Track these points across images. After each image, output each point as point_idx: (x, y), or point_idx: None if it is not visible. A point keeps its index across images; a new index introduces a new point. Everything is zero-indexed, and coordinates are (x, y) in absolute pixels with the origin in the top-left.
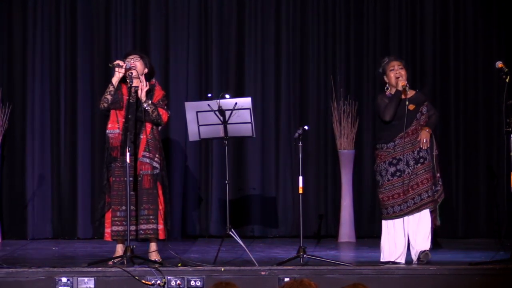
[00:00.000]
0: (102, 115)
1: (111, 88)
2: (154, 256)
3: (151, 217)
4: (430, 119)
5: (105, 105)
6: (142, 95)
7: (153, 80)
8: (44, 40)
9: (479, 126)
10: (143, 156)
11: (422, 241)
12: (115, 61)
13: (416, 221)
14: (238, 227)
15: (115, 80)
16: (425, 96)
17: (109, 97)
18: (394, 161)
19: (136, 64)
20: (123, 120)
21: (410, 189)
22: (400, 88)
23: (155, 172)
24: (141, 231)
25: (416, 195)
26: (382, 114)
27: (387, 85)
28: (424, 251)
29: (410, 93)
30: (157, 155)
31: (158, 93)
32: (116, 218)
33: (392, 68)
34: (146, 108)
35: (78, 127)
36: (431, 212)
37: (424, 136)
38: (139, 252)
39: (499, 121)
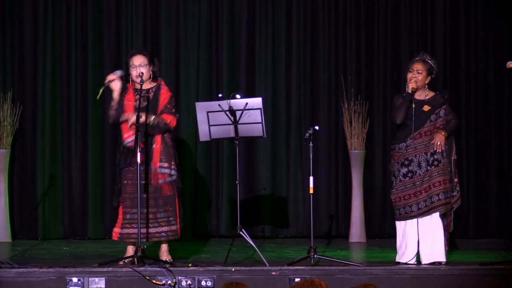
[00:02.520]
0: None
1: (112, 104)
2: (165, 256)
3: (171, 218)
4: (448, 123)
5: (110, 121)
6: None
7: (160, 79)
8: (54, 40)
9: (490, 126)
10: (160, 167)
11: (432, 248)
12: (105, 80)
13: (426, 225)
14: (249, 227)
15: (115, 94)
16: (444, 99)
17: (112, 113)
18: (406, 162)
19: (142, 71)
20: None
21: (423, 191)
22: (409, 90)
23: (172, 179)
24: (162, 233)
25: (428, 197)
26: (393, 116)
27: (407, 84)
28: (437, 262)
29: (429, 94)
30: (172, 163)
31: (165, 95)
32: (126, 221)
33: (411, 70)
34: (153, 124)
35: (89, 127)
36: (444, 216)
37: (439, 139)
38: (150, 251)
39: (510, 121)
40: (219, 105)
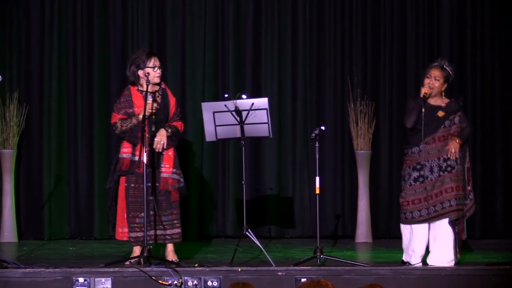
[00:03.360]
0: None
1: (134, 121)
2: (172, 256)
3: (175, 221)
4: (463, 131)
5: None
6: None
7: (163, 83)
8: (61, 41)
9: (496, 125)
10: (173, 173)
11: (441, 254)
12: (151, 109)
13: (436, 230)
14: (255, 228)
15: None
16: (459, 106)
17: (127, 129)
18: (418, 167)
19: (160, 72)
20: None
21: (433, 196)
22: (421, 95)
23: (180, 185)
24: (167, 236)
25: (438, 202)
26: (404, 120)
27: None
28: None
29: (445, 100)
30: (180, 170)
31: (173, 102)
32: (135, 224)
33: (428, 76)
34: (171, 135)
35: (95, 127)
36: (455, 224)
37: (453, 146)
38: (156, 251)
39: None
40: (225, 105)
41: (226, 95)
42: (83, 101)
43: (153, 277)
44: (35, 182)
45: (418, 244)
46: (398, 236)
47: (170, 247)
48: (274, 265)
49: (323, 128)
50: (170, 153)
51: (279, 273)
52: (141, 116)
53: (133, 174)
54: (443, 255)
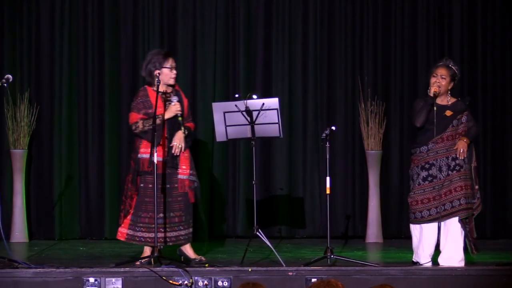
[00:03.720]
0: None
1: (158, 121)
2: (194, 254)
3: (190, 221)
4: (469, 130)
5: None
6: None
7: (176, 85)
8: (71, 41)
9: (507, 125)
10: (190, 174)
11: (451, 252)
12: (176, 110)
13: (446, 229)
14: (265, 228)
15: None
16: (466, 106)
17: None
18: (427, 166)
19: (176, 72)
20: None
21: (443, 195)
22: (431, 94)
23: (195, 186)
24: (186, 236)
25: (448, 201)
26: (414, 120)
27: (429, 87)
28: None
29: (451, 100)
30: (195, 171)
31: (185, 103)
32: (152, 225)
33: (435, 74)
34: (186, 136)
35: (105, 127)
36: (465, 222)
37: (462, 146)
38: (167, 252)
39: None
40: (236, 105)
41: (236, 95)
42: (93, 102)
43: (163, 277)
44: (46, 182)
45: (427, 244)
46: (409, 236)
47: (189, 246)
48: (284, 265)
49: (333, 128)
50: (186, 154)
51: (290, 273)
52: (167, 116)
53: (151, 174)
54: (455, 254)
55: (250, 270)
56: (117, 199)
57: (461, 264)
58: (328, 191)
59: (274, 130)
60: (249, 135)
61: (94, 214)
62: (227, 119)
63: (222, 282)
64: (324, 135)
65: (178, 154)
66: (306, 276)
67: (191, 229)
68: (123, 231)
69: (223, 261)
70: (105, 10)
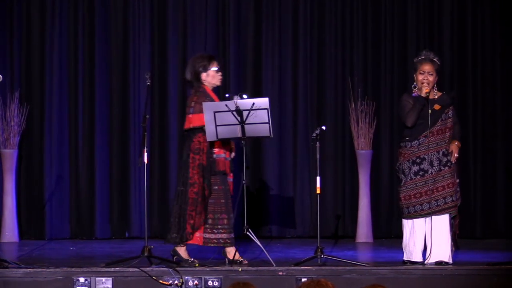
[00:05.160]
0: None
1: None
2: (238, 256)
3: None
4: (455, 129)
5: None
6: None
7: None
8: (62, 40)
9: (498, 126)
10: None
11: (440, 248)
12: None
13: (437, 224)
14: (256, 227)
15: None
16: (451, 100)
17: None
18: (418, 160)
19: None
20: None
21: (435, 190)
22: (424, 94)
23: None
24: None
25: (441, 197)
26: (404, 119)
27: (415, 83)
28: (444, 262)
29: (437, 94)
30: None
31: None
32: (219, 226)
33: (422, 72)
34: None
35: (96, 127)
36: (453, 218)
37: (456, 150)
38: (157, 251)
39: None
40: (226, 105)
41: (227, 95)
42: (84, 101)
43: (153, 277)
44: (36, 182)
45: (419, 239)
46: (399, 236)
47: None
48: (274, 265)
49: (324, 128)
50: (235, 155)
51: (280, 273)
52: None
53: (218, 176)
54: (445, 249)
55: (240, 270)
56: (107, 199)
57: (450, 259)
58: (318, 191)
59: (264, 130)
60: (239, 134)
61: (85, 214)
62: (218, 118)
63: (213, 281)
64: (314, 134)
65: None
66: (296, 276)
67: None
68: (199, 236)
69: (214, 261)
70: (95, 9)
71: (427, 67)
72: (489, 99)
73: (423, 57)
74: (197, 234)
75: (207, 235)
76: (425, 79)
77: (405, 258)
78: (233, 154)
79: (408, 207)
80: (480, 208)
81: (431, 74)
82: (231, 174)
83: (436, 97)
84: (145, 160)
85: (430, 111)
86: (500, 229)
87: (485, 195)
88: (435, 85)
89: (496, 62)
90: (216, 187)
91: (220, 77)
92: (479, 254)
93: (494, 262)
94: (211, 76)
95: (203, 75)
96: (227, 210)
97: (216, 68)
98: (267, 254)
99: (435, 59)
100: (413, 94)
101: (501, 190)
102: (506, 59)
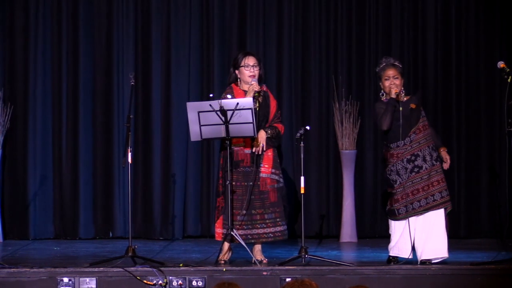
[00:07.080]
0: None
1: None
2: (259, 256)
3: (278, 219)
4: (433, 134)
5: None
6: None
7: (264, 86)
8: (46, 40)
9: (481, 126)
10: (272, 173)
11: (437, 243)
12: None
13: (433, 220)
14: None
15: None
16: (419, 101)
17: None
18: (412, 158)
19: (256, 71)
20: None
21: (430, 186)
22: (393, 95)
23: (279, 186)
24: (270, 234)
25: (437, 191)
26: (379, 124)
27: (382, 91)
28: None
29: (405, 97)
30: (279, 170)
31: (273, 103)
32: (236, 222)
33: (387, 77)
34: (271, 136)
35: (79, 127)
36: (449, 214)
37: (448, 156)
38: (141, 251)
39: (501, 121)
40: (210, 105)
41: (211, 95)
42: (68, 101)
43: (138, 277)
44: (20, 182)
45: (411, 236)
46: (383, 236)
47: (258, 247)
48: (259, 264)
49: (308, 128)
50: (269, 154)
51: (264, 273)
52: (248, 96)
53: (240, 171)
54: (442, 245)
55: (224, 269)
56: (91, 200)
57: (447, 254)
58: (302, 191)
59: (248, 130)
60: (223, 134)
61: (68, 214)
62: (202, 118)
63: (197, 281)
64: (298, 134)
65: (260, 152)
66: (281, 275)
67: (272, 229)
68: (219, 231)
69: (198, 261)
70: (79, 9)
71: (391, 72)
72: (473, 98)
73: (384, 64)
74: (217, 229)
75: (224, 231)
76: (392, 84)
77: (392, 254)
78: (255, 149)
79: (406, 205)
80: (464, 208)
81: (396, 78)
82: (268, 170)
83: (405, 99)
84: (129, 160)
85: (409, 108)
86: (484, 229)
87: (469, 195)
88: (402, 88)
89: (480, 63)
90: (234, 183)
91: (251, 73)
92: (463, 254)
93: (478, 262)
94: (242, 73)
95: (236, 72)
96: (240, 206)
97: (245, 64)
98: (251, 254)
99: (396, 63)
100: (384, 100)
101: (485, 190)
102: (490, 55)
